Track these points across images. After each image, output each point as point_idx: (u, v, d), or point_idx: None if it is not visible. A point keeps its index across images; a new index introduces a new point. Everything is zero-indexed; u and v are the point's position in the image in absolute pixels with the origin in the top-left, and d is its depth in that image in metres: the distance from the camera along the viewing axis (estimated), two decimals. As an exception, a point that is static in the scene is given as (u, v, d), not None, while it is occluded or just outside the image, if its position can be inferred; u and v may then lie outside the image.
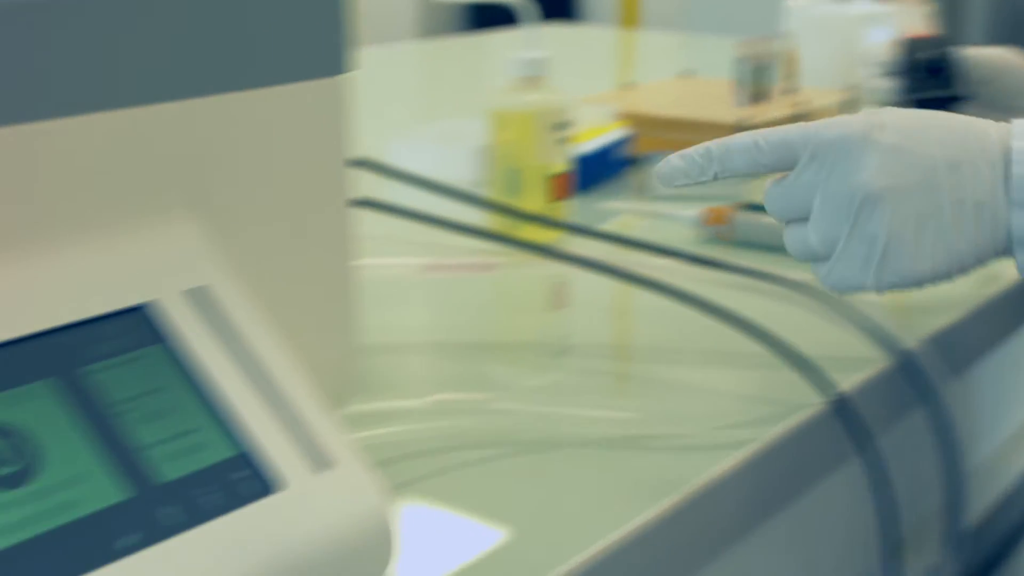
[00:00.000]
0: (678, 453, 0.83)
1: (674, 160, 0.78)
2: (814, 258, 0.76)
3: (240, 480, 0.59)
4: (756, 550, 0.92)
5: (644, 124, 1.49)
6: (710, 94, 1.63)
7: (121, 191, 0.64)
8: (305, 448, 0.61)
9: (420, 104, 2.05)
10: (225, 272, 0.65)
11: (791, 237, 0.77)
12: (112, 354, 0.60)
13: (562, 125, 1.21)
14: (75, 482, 0.56)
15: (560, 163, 1.22)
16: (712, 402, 0.91)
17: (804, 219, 0.75)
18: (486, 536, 0.73)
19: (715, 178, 0.77)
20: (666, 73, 1.88)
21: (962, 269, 0.74)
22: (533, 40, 1.20)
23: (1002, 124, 0.74)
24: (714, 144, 0.77)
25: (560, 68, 1.27)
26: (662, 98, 1.64)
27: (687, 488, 0.78)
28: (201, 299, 0.64)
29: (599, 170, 1.40)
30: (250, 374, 0.62)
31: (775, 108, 1.53)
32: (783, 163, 0.76)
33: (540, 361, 1.02)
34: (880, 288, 0.74)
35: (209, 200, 0.67)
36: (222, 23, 0.67)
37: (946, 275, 0.74)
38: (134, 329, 0.61)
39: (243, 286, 0.65)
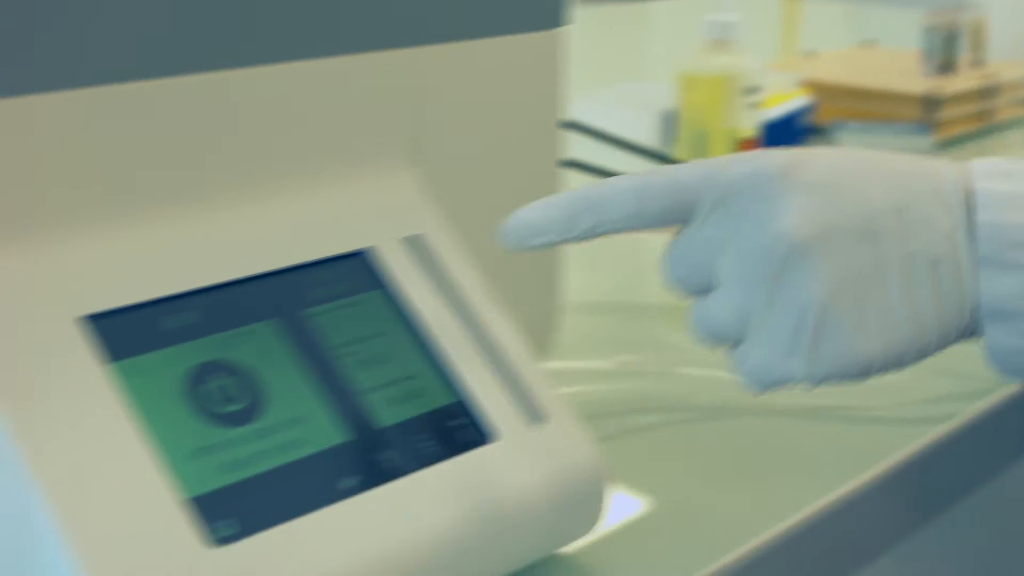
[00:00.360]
0: (868, 427, 0.82)
1: (532, 211, 0.59)
2: (726, 339, 0.58)
3: (457, 428, 0.59)
4: (948, 530, 0.90)
5: (828, 93, 1.47)
6: (894, 64, 1.59)
7: (345, 138, 0.64)
8: (519, 400, 0.61)
9: (592, 67, 2.04)
10: (440, 222, 0.65)
11: (696, 313, 0.59)
12: (333, 298, 0.61)
13: (752, 90, 1.20)
14: (298, 422, 0.56)
15: (748, 128, 1.20)
16: (905, 374, 0.89)
17: (711, 288, 0.58)
18: (660, 504, 0.72)
19: (589, 235, 0.58)
20: (834, 42, 1.84)
21: (922, 350, 0.58)
22: (723, 4, 1.19)
23: (959, 163, 0.59)
24: (585, 190, 0.59)
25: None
26: (846, 67, 1.61)
27: (878, 466, 0.75)
28: (418, 247, 0.64)
29: (783, 137, 1.38)
30: (466, 324, 0.62)
31: (963, 80, 1.49)
32: (678, 212, 0.58)
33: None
34: (814, 377, 0.56)
35: (427, 150, 0.67)
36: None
37: (898, 359, 0.57)
38: (354, 274, 0.62)
39: (457, 237, 0.65)
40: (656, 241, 1.13)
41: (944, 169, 0.58)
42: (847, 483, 0.73)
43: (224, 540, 0.52)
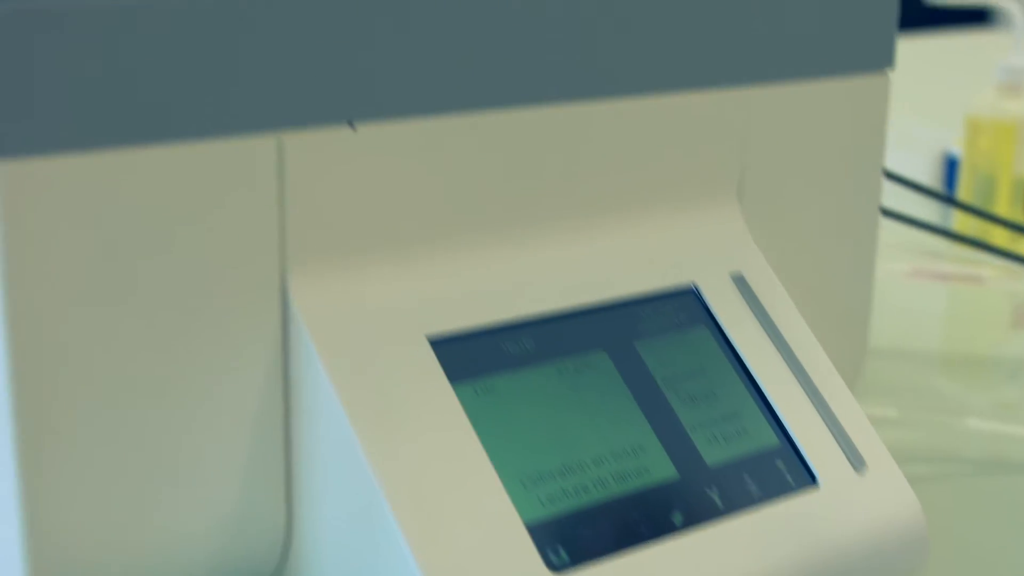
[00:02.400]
0: None
1: None
2: None
3: (784, 471, 0.59)
4: None
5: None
6: None
7: (677, 173, 0.64)
8: (843, 444, 0.60)
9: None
10: (764, 261, 0.65)
11: None
12: (662, 332, 0.61)
13: (1044, 137, 1.17)
14: (629, 455, 0.57)
15: (1039, 177, 1.17)
16: None
17: None
18: (967, 556, 0.70)
19: None
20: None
21: None
22: (1019, 45, 1.16)
23: None
24: None
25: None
26: None
27: None
28: (743, 285, 0.64)
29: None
30: (789, 364, 0.62)
31: None
32: None
33: (997, 379, 0.98)
34: None
35: (753, 188, 0.67)
36: (779, 11, 0.66)
37: None
38: (683, 309, 0.62)
39: (778, 276, 0.65)
40: (957, 291, 1.11)
41: None
42: None
43: (556, 568, 0.52)
